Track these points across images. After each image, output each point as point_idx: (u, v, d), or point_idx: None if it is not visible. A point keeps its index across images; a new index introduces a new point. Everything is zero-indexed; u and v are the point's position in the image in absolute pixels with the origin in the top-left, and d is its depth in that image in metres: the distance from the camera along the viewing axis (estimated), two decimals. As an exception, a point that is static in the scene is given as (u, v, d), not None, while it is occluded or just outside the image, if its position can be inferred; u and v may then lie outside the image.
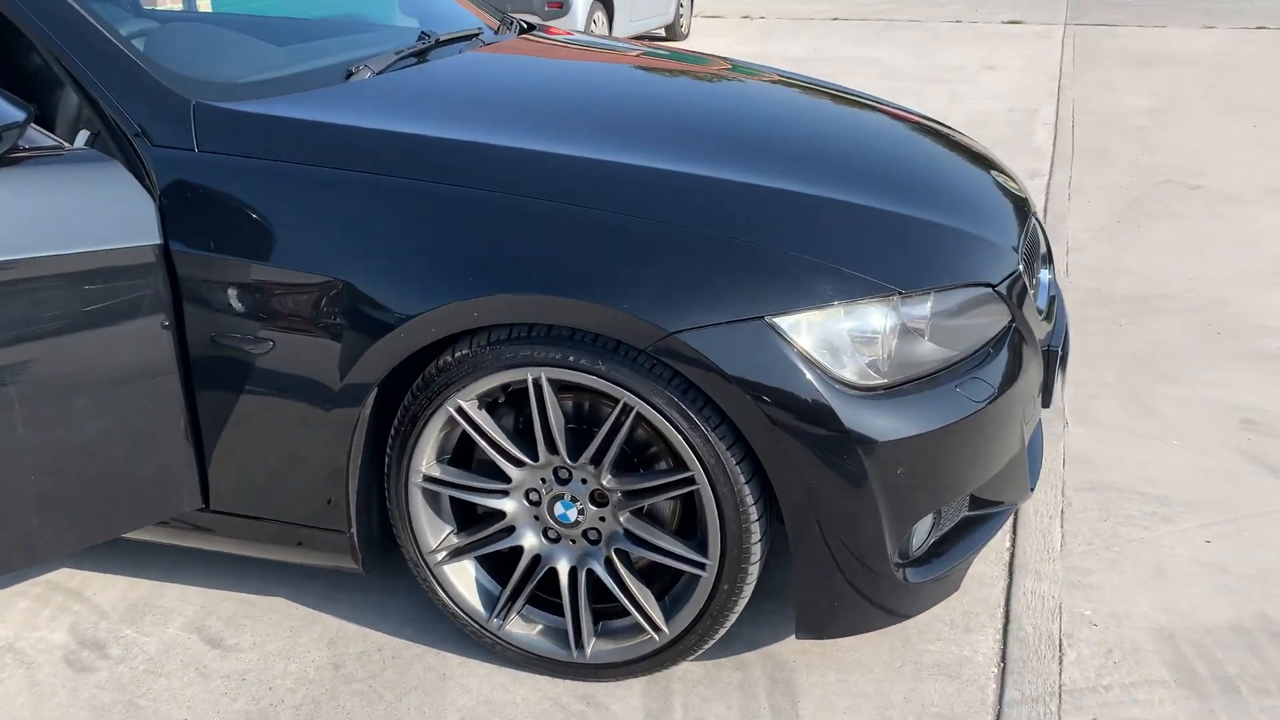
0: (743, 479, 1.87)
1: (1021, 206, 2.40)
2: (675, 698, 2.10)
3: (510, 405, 2.06)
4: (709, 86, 2.79)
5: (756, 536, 1.91)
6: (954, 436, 1.92)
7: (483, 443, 2.00)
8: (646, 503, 1.97)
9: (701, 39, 11.46)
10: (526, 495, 2.05)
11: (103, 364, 1.94)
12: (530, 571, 2.09)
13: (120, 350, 1.96)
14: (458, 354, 1.93)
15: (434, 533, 2.11)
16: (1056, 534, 2.58)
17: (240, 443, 2.09)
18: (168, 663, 2.22)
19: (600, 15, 9.68)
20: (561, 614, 2.10)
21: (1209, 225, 4.83)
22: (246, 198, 1.98)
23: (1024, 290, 2.15)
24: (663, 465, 2.00)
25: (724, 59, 3.15)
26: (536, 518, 2.06)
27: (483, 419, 1.99)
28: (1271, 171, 5.62)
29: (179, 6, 3.43)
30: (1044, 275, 2.47)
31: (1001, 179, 2.51)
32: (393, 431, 2.05)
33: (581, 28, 9.06)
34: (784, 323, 1.82)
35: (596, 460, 1.95)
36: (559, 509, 2.02)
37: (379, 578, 2.44)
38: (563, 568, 2.06)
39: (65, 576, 2.50)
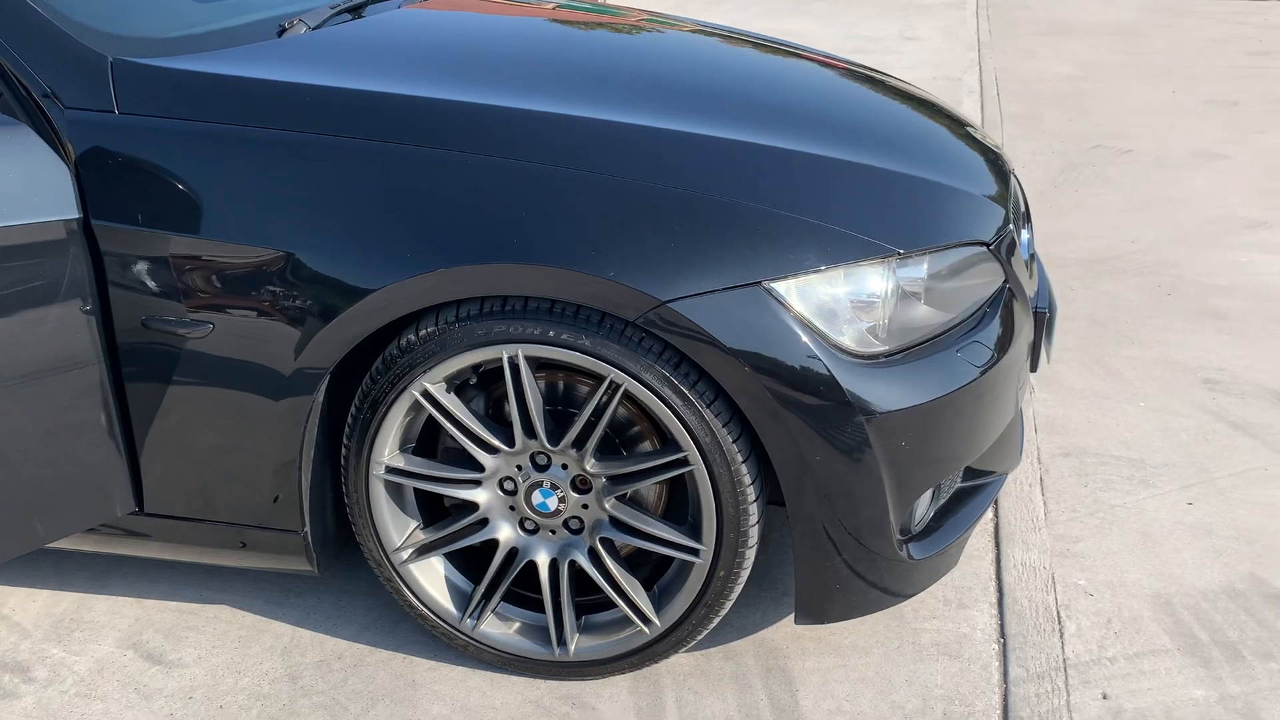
0: (740, 458, 1.73)
1: (999, 162, 2.30)
2: (666, 693, 1.96)
3: (480, 387, 1.89)
4: (663, 39, 2.64)
5: (754, 519, 1.78)
6: (957, 404, 1.81)
7: (452, 429, 1.82)
8: (634, 487, 1.82)
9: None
10: (501, 485, 1.88)
11: (15, 355, 1.72)
12: (506, 566, 1.92)
13: (35, 339, 1.73)
14: (423, 332, 1.75)
15: (398, 529, 1.93)
16: (1039, 502, 2.51)
17: (176, 438, 1.89)
18: (102, 684, 2.00)
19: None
20: (540, 610, 1.94)
21: (1145, 188, 4.84)
22: (175, 164, 1.77)
23: (1013, 248, 2.05)
24: (646, 446, 1.85)
25: (649, 12, 3.00)
26: (512, 508, 1.89)
27: (451, 403, 1.81)
28: (1197, 135, 5.68)
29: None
30: (1024, 234, 2.38)
31: (977, 134, 2.40)
32: (350, 420, 1.86)
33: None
34: (782, 288, 1.68)
35: (579, 444, 1.79)
36: (537, 498, 1.86)
37: (332, 579, 2.26)
38: (542, 560, 1.90)
39: (-22, 593, 2.26)
